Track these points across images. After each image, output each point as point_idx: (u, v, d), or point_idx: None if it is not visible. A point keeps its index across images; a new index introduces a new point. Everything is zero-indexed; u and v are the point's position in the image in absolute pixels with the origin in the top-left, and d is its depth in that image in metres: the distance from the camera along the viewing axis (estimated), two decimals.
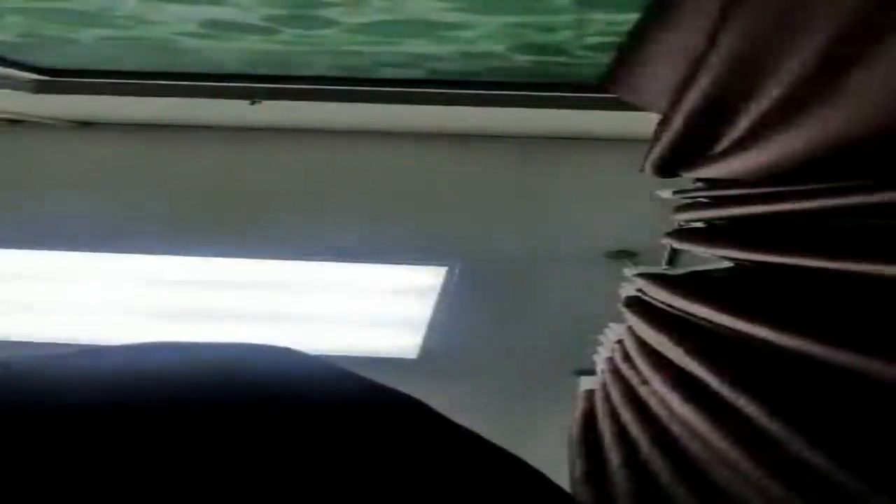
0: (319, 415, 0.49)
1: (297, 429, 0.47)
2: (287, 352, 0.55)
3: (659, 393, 1.44)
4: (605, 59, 1.95)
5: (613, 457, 1.54)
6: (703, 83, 1.39)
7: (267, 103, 2.34)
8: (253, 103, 2.33)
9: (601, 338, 2.16)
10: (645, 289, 1.82)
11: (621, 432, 1.58)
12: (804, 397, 1.03)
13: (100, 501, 0.40)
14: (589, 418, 1.89)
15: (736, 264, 1.54)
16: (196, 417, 0.45)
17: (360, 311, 3.24)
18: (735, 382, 1.15)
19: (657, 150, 1.73)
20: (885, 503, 0.79)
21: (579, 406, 2.00)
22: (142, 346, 0.56)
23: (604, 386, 1.90)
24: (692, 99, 1.46)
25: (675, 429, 1.33)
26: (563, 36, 1.81)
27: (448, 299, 3.10)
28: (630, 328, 1.82)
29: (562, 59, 1.99)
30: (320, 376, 0.54)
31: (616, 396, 1.72)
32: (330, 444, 0.47)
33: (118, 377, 0.49)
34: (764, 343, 1.18)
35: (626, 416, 1.58)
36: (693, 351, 1.36)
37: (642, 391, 1.56)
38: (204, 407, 0.46)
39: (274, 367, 0.53)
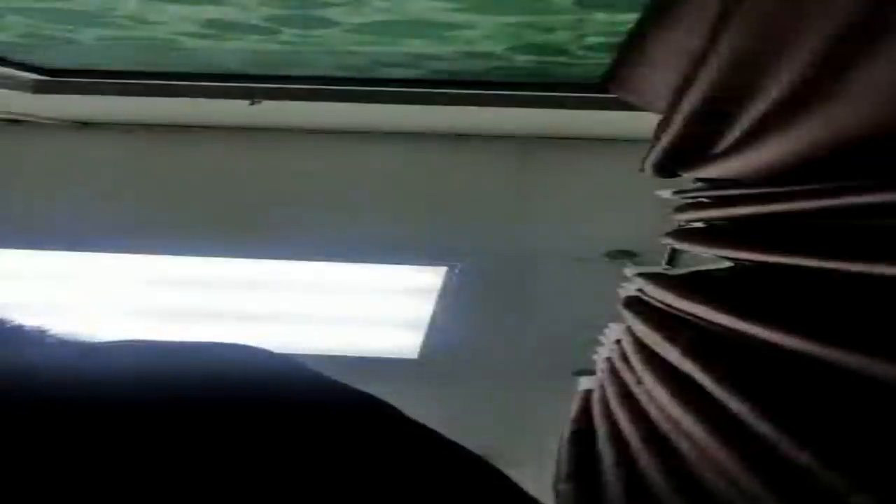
0: (274, 415, 0.49)
1: (250, 428, 0.47)
2: (247, 349, 0.55)
3: (653, 393, 1.45)
4: (605, 59, 1.95)
5: (606, 456, 1.54)
6: (703, 83, 1.39)
7: (267, 103, 2.34)
8: (253, 103, 2.33)
9: (601, 338, 2.16)
10: (645, 289, 1.82)
11: (616, 432, 1.58)
12: (799, 398, 1.03)
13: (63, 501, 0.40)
14: (583, 418, 1.90)
15: (736, 264, 1.54)
16: (145, 417, 0.45)
17: (360, 311, 3.23)
18: (730, 382, 1.15)
19: (657, 150, 1.73)
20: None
21: (575, 406, 2.00)
22: (101, 344, 0.56)
23: (601, 386, 1.90)
24: (692, 99, 1.46)
25: (668, 429, 1.33)
26: (563, 36, 1.81)
27: (448, 299, 3.10)
28: (628, 328, 1.82)
29: (562, 59, 1.99)
30: (277, 375, 0.54)
31: (612, 396, 1.72)
32: (284, 444, 0.47)
33: (72, 375, 0.49)
34: (763, 343, 1.18)
35: (621, 415, 1.59)
36: (689, 350, 1.36)
37: (638, 391, 1.56)
38: (156, 407, 0.46)
39: (232, 366, 0.53)
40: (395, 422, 0.52)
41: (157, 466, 0.41)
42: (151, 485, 0.41)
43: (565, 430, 1.90)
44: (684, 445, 1.23)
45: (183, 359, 0.52)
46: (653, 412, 1.43)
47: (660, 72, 1.67)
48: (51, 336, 0.57)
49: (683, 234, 1.79)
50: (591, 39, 1.82)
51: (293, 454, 0.45)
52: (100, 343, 0.55)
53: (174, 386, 0.47)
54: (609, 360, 1.94)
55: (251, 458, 0.44)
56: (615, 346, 1.92)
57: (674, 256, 2.13)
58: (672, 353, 1.42)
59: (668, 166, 1.76)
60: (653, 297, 1.74)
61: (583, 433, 1.82)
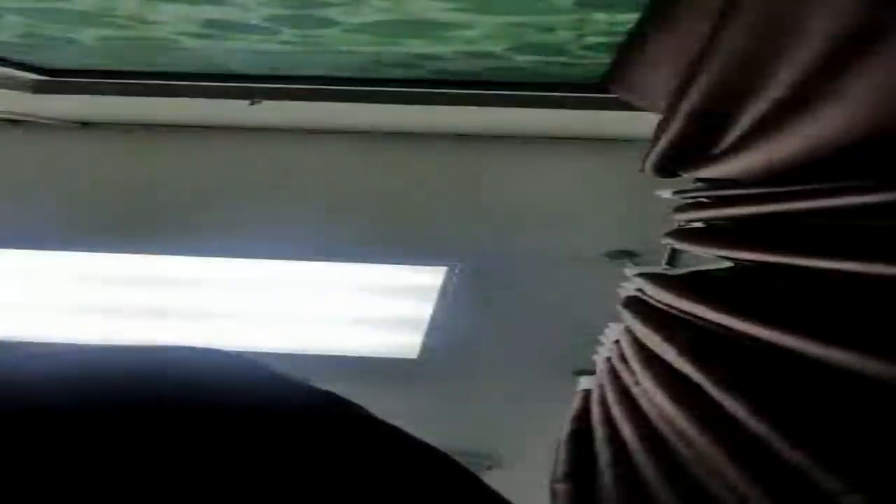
0: (240, 418, 0.48)
1: (214, 432, 0.46)
2: (213, 353, 0.54)
3: (650, 393, 1.45)
4: (605, 59, 1.95)
5: (603, 456, 1.55)
6: (703, 83, 1.39)
7: (267, 103, 2.34)
8: (253, 103, 2.33)
9: (601, 338, 2.16)
10: (645, 289, 1.82)
11: (613, 432, 1.58)
12: (797, 398, 1.03)
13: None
14: (582, 418, 1.90)
15: (736, 264, 1.54)
16: (107, 421, 0.45)
17: (360, 311, 3.23)
18: (727, 383, 1.15)
19: (657, 150, 1.73)
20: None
21: (574, 405, 2.00)
22: (53, 348, 0.55)
23: (600, 386, 1.90)
24: (692, 99, 1.46)
25: (665, 429, 1.33)
26: (563, 36, 1.81)
27: (448, 299, 3.10)
28: (627, 328, 1.82)
29: (562, 59, 1.99)
30: (244, 377, 0.54)
31: (611, 396, 1.72)
32: (252, 445, 0.47)
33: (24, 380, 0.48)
34: (763, 343, 1.18)
35: (619, 415, 1.59)
36: (687, 350, 1.37)
37: (635, 391, 1.57)
38: (114, 411, 0.46)
39: (193, 369, 0.52)
40: (363, 421, 0.52)
41: (110, 471, 0.41)
42: (104, 492, 0.40)
43: (564, 429, 1.90)
44: (681, 446, 1.24)
45: (143, 363, 0.51)
46: (650, 412, 1.43)
47: (660, 72, 1.67)
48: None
49: (683, 234, 1.79)
50: (591, 39, 1.82)
51: (261, 455, 0.45)
52: (52, 348, 0.54)
53: (129, 390, 0.47)
54: (608, 360, 1.94)
55: (217, 459, 0.43)
56: (614, 346, 1.92)
57: (674, 256, 2.14)
58: (670, 353, 1.42)
59: (668, 166, 1.76)
60: (652, 297, 1.74)
61: (581, 433, 1.82)
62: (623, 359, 1.76)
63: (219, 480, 0.43)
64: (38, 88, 2.31)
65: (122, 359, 0.52)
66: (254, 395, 0.50)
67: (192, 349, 0.53)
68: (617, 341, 1.90)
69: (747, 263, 1.47)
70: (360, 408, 0.52)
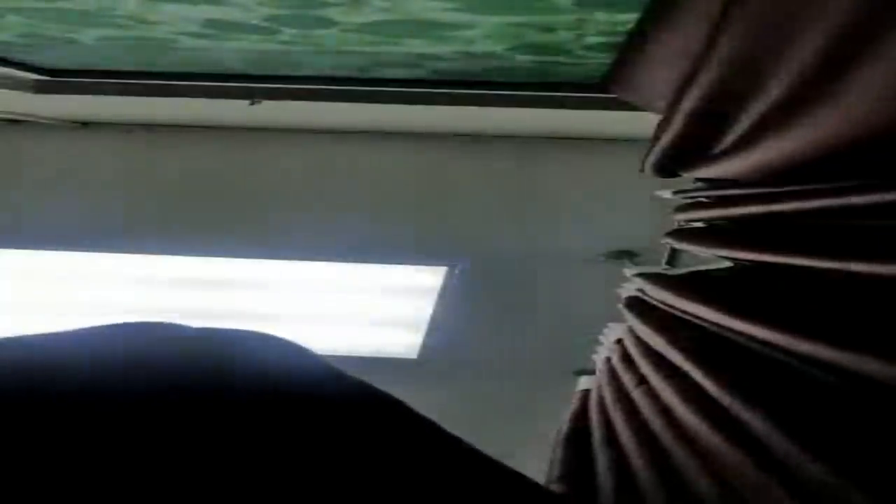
0: (301, 409, 0.49)
1: (275, 422, 0.47)
2: (278, 342, 0.55)
3: (654, 394, 1.45)
4: (606, 59, 1.95)
5: (600, 458, 1.54)
6: (703, 83, 1.39)
7: (267, 103, 2.34)
8: (253, 103, 2.33)
9: (601, 338, 2.16)
10: (645, 289, 1.82)
11: (611, 435, 1.58)
12: (800, 400, 1.03)
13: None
14: (580, 418, 1.90)
15: (736, 264, 1.54)
16: (175, 404, 0.46)
17: (360, 311, 3.23)
18: (730, 385, 1.15)
19: (657, 150, 1.73)
20: None
21: (572, 406, 2.00)
22: (103, 327, 0.56)
23: (598, 387, 1.90)
24: (692, 99, 1.46)
25: (665, 431, 1.33)
26: (563, 36, 1.81)
27: (448, 299, 3.10)
28: (630, 328, 1.82)
29: (562, 59, 1.99)
30: (308, 370, 0.55)
31: (609, 398, 1.72)
32: (308, 439, 0.47)
33: (82, 361, 0.49)
34: (763, 344, 1.18)
35: (618, 417, 1.59)
36: (690, 352, 1.37)
37: (636, 393, 1.56)
38: (177, 394, 0.47)
39: (261, 358, 0.53)
40: (421, 424, 0.53)
41: (164, 453, 0.41)
42: (161, 472, 0.41)
43: (561, 429, 1.90)
44: (678, 448, 1.23)
45: (203, 348, 0.52)
46: (650, 414, 1.43)
47: (660, 72, 1.67)
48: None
49: (683, 234, 1.80)
50: (591, 39, 1.82)
51: (312, 446, 0.45)
52: (92, 328, 0.55)
53: (209, 375, 0.47)
54: (608, 360, 1.94)
55: (267, 448, 0.44)
56: (616, 347, 1.92)
57: (674, 256, 2.13)
58: (674, 355, 1.42)
59: (668, 166, 1.76)
60: (653, 298, 1.74)
61: (579, 433, 1.82)
62: (625, 359, 1.76)
63: (269, 468, 0.43)
64: (38, 88, 2.31)
65: (183, 338, 0.53)
66: (310, 384, 0.51)
67: (255, 335, 0.54)
68: (619, 341, 1.90)
69: (747, 263, 1.47)
70: (401, 402, 0.53)
